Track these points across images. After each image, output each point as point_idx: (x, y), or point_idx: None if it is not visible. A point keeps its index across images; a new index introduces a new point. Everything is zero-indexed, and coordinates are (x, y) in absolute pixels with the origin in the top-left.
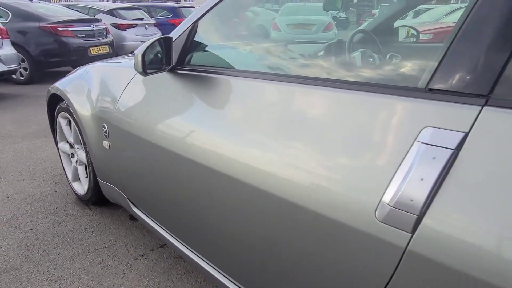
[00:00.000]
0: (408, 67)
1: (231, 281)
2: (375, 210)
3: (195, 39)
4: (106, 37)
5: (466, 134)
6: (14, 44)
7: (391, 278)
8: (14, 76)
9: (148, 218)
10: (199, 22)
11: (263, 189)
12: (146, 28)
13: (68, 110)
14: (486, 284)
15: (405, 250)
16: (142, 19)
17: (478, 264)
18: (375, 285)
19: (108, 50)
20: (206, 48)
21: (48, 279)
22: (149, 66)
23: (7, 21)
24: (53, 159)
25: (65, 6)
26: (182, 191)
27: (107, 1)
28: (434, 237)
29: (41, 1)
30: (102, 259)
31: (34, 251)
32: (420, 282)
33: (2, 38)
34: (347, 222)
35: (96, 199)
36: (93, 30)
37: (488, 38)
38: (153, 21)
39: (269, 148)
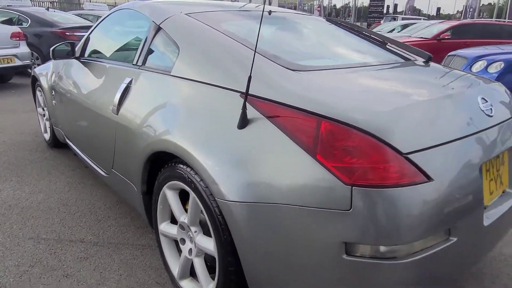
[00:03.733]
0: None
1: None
2: None
3: (88, 44)
4: None
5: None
6: (30, 45)
7: None
8: (29, 70)
9: (70, 142)
10: (90, 35)
11: (104, 115)
12: None
13: (40, 85)
14: None
15: None
16: None
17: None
18: None
19: None
20: (95, 49)
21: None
22: (58, 55)
23: (27, 26)
24: (37, 123)
25: (78, 15)
26: (83, 124)
27: None
28: None
29: (55, 10)
30: (48, 171)
31: (13, 165)
32: None
33: (20, 40)
34: None
35: (54, 143)
36: None
37: None
38: None
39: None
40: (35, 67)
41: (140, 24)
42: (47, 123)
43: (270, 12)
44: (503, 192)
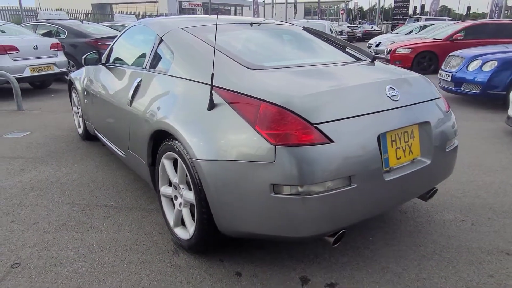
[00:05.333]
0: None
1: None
2: None
3: (112, 52)
4: None
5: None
6: (67, 54)
7: None
8: (66, 77)
9: (98, 133)
10: (113, 46)
11: (123, 108)
12: None
13: (75, 88)
14: None
15: None
16: None
17: None
18: None
19: None
20: (117, 56)
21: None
22: (88, 62)
23: (64, 37)
24: (72, 121)
25: (109, 26)
26: (107, 116)
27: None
28: None
29: (89, 22)
30: (81, 157)
31: (53, 153)
32: None
33: (58, 50)
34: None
35: (86, 136)
36: None
37: None
38: None
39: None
40: (71, 74)
41: (149, 37)
42: (80, 120)
43: (252, 24)
44: (413, 159)
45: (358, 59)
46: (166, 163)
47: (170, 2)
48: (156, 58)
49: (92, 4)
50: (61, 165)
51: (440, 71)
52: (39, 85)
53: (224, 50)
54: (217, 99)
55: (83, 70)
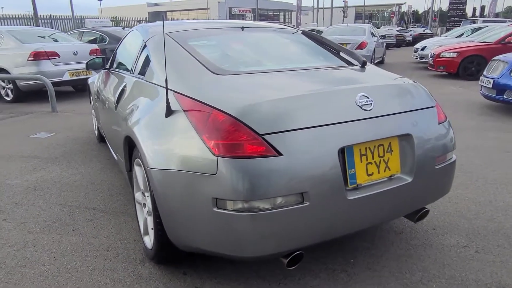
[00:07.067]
0: None
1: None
2: None
3: (114, 58)
4: None
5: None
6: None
7: None
8: None
9: (104, 135)
10: (116, 51)
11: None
12: None
13: (90, 92)
14: None
15: None
16: None
17: None
18: None
19: None
20: (117, 61)
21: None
22: (92, 66)
23: (106, 43)
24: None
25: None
26: (106, 119)
27: None
28: None
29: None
30: (90, 159)
31: (67, 154)
32: None
33: (97, 55)
34: None
35: (100, 138)
36: None
37: None
38: None
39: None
40: (89, 78)
41: (138, 42)
42: (95, 122)
43: (243, 28)
44: (391, 176)
45: (350, 64)
46: (137, 169)
47: (220, 8)
48: (139, 63)
49: (148, 12)
50: (70, 166)
51: (481, 77)
52: (81, 88)
53: (197, 55)
54: (175, 105)
55: (97, 75)
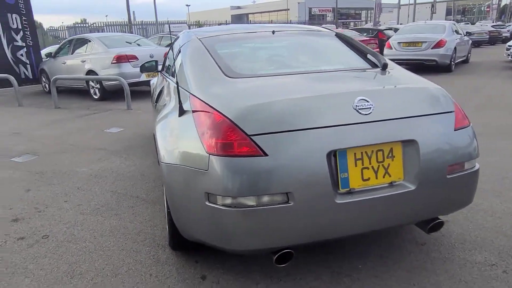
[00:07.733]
0: None
1: None
2: None
3: (165, 61)
4: None
5: None
6: None
7: None
8: None
9: None
10: (167, 55)
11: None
12: None
13: (151, 91)
14: None
15: None
16: None
17: None
18: None
19: None
20: (165, 64)
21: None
22: (146, 69)
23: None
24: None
25: None
26: (153, 114)
27: None
28: None
29: None
30: (147, 153)
31: (129, 148)
32: None
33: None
34: None
35: None
36: None
37: None
38: None
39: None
40: (151, 80)
41: (177, 47)
42: None
43: (273, 32)
44: (391, 182)
45: (375, 66)
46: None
47: (300, 9)
48: (175, 67)
49: (231, 15)
50: (129, 158)
51: None
52: None
53: (219, 59)
54: (189, 106)
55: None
